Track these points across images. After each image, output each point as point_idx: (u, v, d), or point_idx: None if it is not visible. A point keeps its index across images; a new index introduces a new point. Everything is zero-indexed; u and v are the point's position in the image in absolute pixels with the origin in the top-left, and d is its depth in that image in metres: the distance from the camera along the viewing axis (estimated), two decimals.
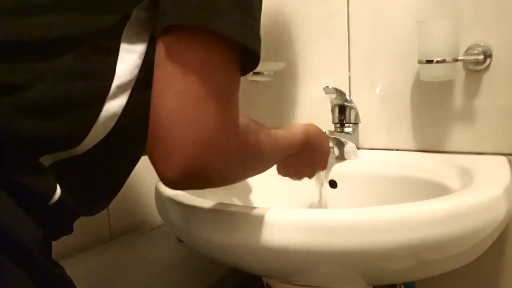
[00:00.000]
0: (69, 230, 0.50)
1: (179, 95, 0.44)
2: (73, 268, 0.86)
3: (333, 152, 0.92)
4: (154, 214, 0.95)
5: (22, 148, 0.42)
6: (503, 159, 0.80)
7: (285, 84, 1.03)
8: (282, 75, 1.01)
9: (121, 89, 0.46)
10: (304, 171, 0.76)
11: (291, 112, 1.03)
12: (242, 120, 0.49)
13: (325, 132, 0.78)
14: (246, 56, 0.48)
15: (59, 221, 0.47)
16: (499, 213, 0.61)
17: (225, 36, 0.44)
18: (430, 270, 0.63)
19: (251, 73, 0.52)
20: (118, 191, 0.54)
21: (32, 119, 0.42)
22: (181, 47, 0.44)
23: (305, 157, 0.71)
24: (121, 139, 0.48)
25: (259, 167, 0.57)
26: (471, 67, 0.83)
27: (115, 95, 0.45)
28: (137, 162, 0.54)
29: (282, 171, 0.75)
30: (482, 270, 0.86)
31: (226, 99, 0.46)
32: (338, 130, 0.91)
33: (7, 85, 0.41)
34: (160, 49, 0.45)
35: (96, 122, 0.45)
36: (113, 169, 0.51)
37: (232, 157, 0.47)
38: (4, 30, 0.42)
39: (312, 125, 0.73)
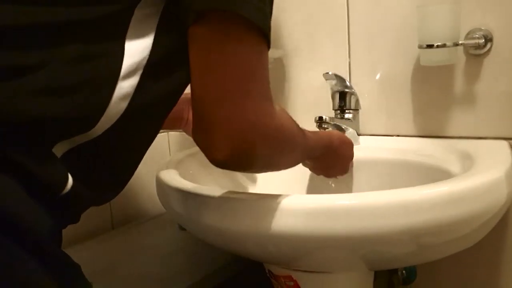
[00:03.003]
0: (77, 220, 0.51)
1: (222, 84, 0.46)
2: (75, 257, 0.87)
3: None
4: (155, 203, 0.95)
5: (36, 132, 0.42)
6: (504, 143, 0.80)
7: (284, 71, 1.02)
8: (281, 62, 1.01)
9: (132, 68, 0.46)
10: (329, 173, 0.81)
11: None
12: (276, 106, 0.51)
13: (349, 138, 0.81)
14: None
15: (70, 210, 0.48)
16: (500, 197, 0.61)
17: (252, 22, 0.46)
18: (431, 254, 0.64)
19: None
20: (130, 177, 0.55)
21: (46, 101, 0.42)
22: (216, 36, 0.46)
23: (327, 161, 0.75)
24: (135, 120, 0.49)
25: (290, 156, 0.58)
26: (472, 51, 0.82)
27: (127, 75, 0.46)
28: (149, 144, 0.55)
29: (313, 171, 0.81)
30: (483, 254, 0.86)
31: (263, 82, 0.49)
32: (339, 116, 0.90)
33: (19, 67, 0.41)
34: (194, 39, 0.47)
35: (110, 103, 0.45)
36: (127, 153, 0.52)
37: (271, 138, 0.50)
38: (11, 15, 0.42)
39: (337, 132, 0.80)
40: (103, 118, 0.45)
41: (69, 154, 0.45)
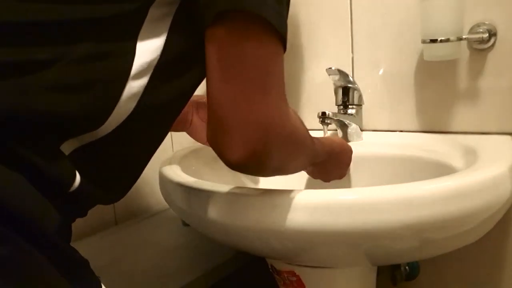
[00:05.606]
0: (85, 214, 0.51)
1: (239, 84, 0.46)
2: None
3: (337, 134, 0.92)
4: (158, 199, 0.95)
5: (45, 129, 0.42)
6: (508, 138, 0.80)
7: (288, 66, 1.01)
8: (284, 57, 1.00)
9: (143, 68, 0.46)
10: (327, 178, 0.80)
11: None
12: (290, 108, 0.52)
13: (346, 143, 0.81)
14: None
15: (78, 207, 0.48)
16: (504, 192, 0.61)
17: (272, 25, 0.46)
18: (434, 249, 0.64)
19: None
20: (138, 177, 0.55)
21: (56, 98, 0.42)
22: (235, 37, 0.46)
23: (327, 167, 0.75)
24: (143, 121, 0.49)
25: (300, 159, 0.59)
26: (476, 46, 0.82)
27: (137, 75, 0.46)
28: (157, 146, 0.54)
29: (311, 175, 0.80)
30: (486, 249, 0.86)
31: (280, 83, 0.49)
32: (342, 112, 0.90)
33: (29, 63, 0.41)
34: (213, 40, 0.46)
35: (119, 102, 0.45)
36: (134, 154, 0.52)
37: (286, 140, 0.50)
38: (23, 11, 0.42)
39: (338, 138, 0.80)
40: (111, 117, 0.46)
41: (77, 152, 0.45)
